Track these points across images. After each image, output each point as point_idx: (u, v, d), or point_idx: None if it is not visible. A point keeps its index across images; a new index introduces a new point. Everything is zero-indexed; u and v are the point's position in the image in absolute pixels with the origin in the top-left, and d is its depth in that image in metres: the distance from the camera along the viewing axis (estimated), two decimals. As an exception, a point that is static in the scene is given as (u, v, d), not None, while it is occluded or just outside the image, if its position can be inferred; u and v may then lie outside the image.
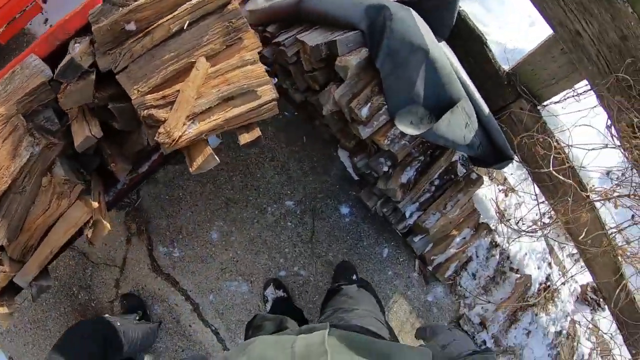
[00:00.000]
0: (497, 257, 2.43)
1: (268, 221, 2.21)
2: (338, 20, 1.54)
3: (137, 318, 2.05)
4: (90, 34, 1.39)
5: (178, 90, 1.33)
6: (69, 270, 2.29)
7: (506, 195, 2.61)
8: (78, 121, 1.44)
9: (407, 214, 2.07)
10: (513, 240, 2.41)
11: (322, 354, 0.69)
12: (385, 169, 1.81)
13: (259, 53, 1.40)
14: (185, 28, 1.33)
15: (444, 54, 1.56)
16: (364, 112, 1.57)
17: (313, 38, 1.56)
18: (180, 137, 1.33)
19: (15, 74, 1.40)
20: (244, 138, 1.38)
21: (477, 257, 2.42)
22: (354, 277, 2.10)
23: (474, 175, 2.09)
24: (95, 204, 1.57)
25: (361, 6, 1.47)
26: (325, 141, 2.27)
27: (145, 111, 1.32)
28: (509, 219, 2.46)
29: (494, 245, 2.45)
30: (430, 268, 2.34)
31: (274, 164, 2.25)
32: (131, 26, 1.32)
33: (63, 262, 2.29)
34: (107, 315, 1.97)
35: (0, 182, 1.39)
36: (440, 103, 1.56)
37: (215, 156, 1.38)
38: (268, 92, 1.36)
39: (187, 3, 1.33)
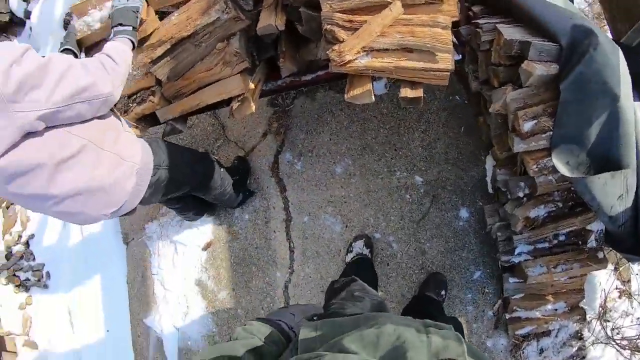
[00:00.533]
0: (574, 350, 2.24)
1: (391, 184, 2.18)
2: (540, 24, 1.40)
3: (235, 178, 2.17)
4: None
5: (365, 21, 1.36)
6: (204, 133, 2.52)
7: (620, 297, 2.38)
8: (269, 9, 1.54)
9: (517, 251, 1.94)
10: (599, 344, 2.21)
11: (460, 354, 0.67)
12: (521, 194, 1.69)
13: (455, 25, 1.40)
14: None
15: (634, 112, 1.41)
16: (527, 126, 1.45)
17: (511, 32, 1.44)
18: (349, 61, 1.38)
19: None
20: (405, 92, 1.40)
21: (556, 336, 2.23)
22: (443, 293, 2.06)
23: (600, 254, 1.89)
24: (252, 85, 1.71)
25: (568, 20, 1.35)
26: (480, 140, 2.18)
27: (329, 26, 1.38)
28: (608, 320, 2.26)
29: (578, 336, 2.26)
30: (507, 316, 2.23)
31: (424, 136, 2.21)
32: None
33: (202, 124, 2.53)
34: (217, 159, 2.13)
35: (184, 29, 1.57)
36: (606, 159, 1.42)
37: (373, 94, 1.42)
38: (446, 61, 1.35)
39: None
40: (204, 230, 2.41)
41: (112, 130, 1.37)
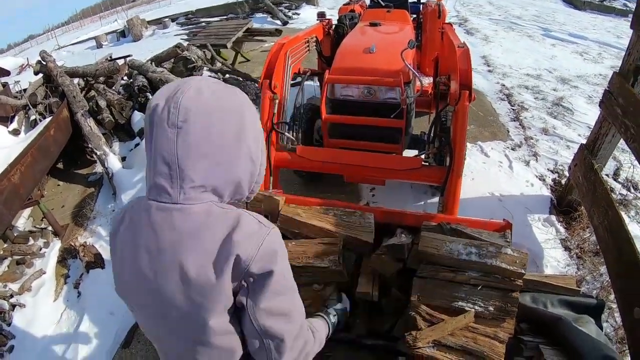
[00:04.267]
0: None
1: None
2: (576, 352, 1.52)
3: None
4: (413, 236, 1.75)
5: (442, 320, 1.55)
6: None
7: None
8: (367, 276, 1.74)
9: None
10: None
11: None
12: None
13: (509, 337, 1.54)
14: (479, 287, 1.58)
15: None
16: None
17: (551, 355, 1.56)
18: (419, 347, 1.52)
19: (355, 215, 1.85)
20: None
21: None
22: None
23: None
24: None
25: (599, 352, 1.47)
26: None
27: (413, 313, 1.55)
28: None
29: None
30: None
31: None
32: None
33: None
34: None
35: (295, 260, 1.71)
36: None
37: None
38: None
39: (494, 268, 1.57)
40: None
41: None
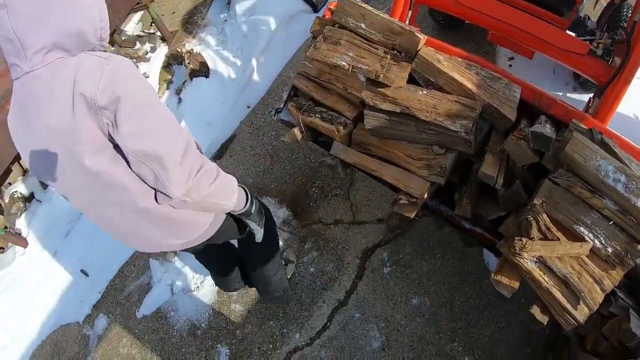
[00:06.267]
0: None
1: (444, 349, 2.07)
2: None
3: None
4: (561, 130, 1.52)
5: (558, 238, 1.39)
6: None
7: None
8: (495, 157, 1.53)
9: None
10: None
11: None
12: None
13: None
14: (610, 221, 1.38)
15: None
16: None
17: (638, 325, 1.43)
18: (520, 257, 1.42)
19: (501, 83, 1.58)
20: (535, 310, 1.45)
21: None
22: None
23: None
24: (425, 195, 1.63)
25: None
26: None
27: (531, 218, 1.38)
28: None
29: None
30: None
31: (499, 333, 2.06)
32: None
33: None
34: None
35: (423, 111, 1.53)
36: None
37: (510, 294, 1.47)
38: (582, 314, 1.38)
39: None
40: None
41: None
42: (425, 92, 1.54)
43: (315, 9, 3.42)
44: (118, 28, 3.37)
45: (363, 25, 1.60)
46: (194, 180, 1.02)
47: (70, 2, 0.95)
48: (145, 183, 1.06)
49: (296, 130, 1.81)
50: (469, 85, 1.52)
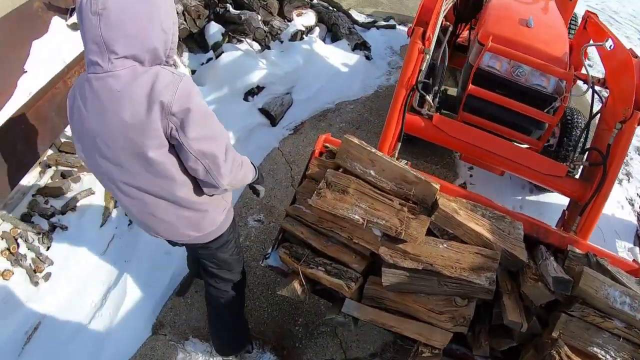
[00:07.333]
0: None
1: None
2: None
3: None
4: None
5: None
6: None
7: None
8: (511, 300, 1.51)
9: None
10: None
11: None
12: None
13: None
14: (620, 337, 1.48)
15: None
16: None
17: None
18: None
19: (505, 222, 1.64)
20: None
21: None
22: None
23: None
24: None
25: None
26: None
27: (555, 353, 1.42)
28: None
29: None
30: None
31: None
32: None
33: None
34: None
35: (447, 268, 1.49)
36: None
37: None
38: None
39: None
40: None
41: None
42: (445, 245, 1.48)
43: (274, 123, 3.40)
44: (61, 132, 3.02)
45: (372, 172, 1.53)
46: (233, 172, 1.31)
47: (158, 26, 1.12)
48: (193, 177, 1.29)
49: (296, 284, 1.62)
50: (486, 234, 1.51)
